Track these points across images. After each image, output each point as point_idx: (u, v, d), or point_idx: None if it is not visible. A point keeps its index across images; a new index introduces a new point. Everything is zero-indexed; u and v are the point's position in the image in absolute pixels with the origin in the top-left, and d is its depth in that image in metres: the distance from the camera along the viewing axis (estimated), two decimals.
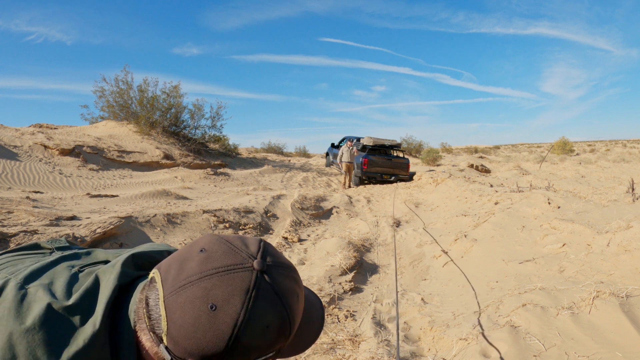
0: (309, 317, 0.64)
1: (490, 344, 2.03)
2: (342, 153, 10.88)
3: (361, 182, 11.83)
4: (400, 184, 11.19)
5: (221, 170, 10.64)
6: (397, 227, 5.97)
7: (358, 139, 13.00)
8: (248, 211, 5.60)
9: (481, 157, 25.09)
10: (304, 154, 25.75)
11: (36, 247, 0.75)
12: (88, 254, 0.69)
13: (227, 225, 4.86)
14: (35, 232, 3.28)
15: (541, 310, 2.13)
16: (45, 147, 7.99)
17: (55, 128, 10.99)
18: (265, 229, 5.36)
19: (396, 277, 2.80)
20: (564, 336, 1.91)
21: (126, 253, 0.65)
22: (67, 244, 0.78)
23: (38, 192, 5.53)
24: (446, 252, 4.08)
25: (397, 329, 1.79)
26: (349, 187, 10.95)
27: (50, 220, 3.65)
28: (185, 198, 6.19)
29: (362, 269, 3.97)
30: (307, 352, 2.31)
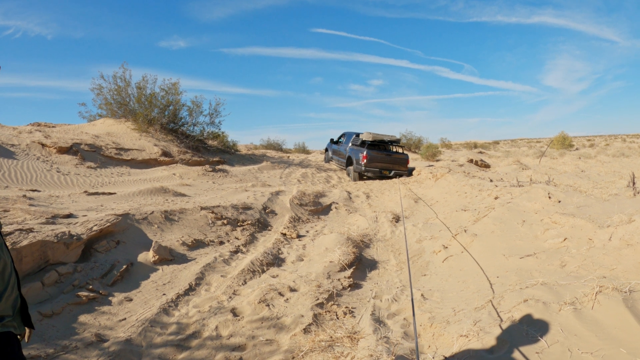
0: None
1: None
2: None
3: (360, 177, 11.81)
4: (400, 179, 11.15)
5: (219, 167, 10.58)
6: (396, 222, 5.94)
7: (357, 135, 12.94)
8: (246, 207, 5.57)
9: (480, 152, 25.03)
10: (303, 150, 25.70)
11: None
12: None
13: (225, 221, 4.82)
14: (31, 230, 3.24)
15: (543, 306, 2.10)
16: (43, 145, 7.94)
17: (53, 126, 10.92)
18: (263, 225, 5.33)
19: (409, 270, 2.77)
20: (566, 332, 1.88)
21: None
22: None
23: (35, 190, 5.49)
24: (462, 246, 4.05)
25: (414, 323, 1.75)
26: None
27: (46, 218, 3.62)
28: (183, 195, 6.15)
29: (361, 265, 3.94)
30: (305, 349, 2.28)
